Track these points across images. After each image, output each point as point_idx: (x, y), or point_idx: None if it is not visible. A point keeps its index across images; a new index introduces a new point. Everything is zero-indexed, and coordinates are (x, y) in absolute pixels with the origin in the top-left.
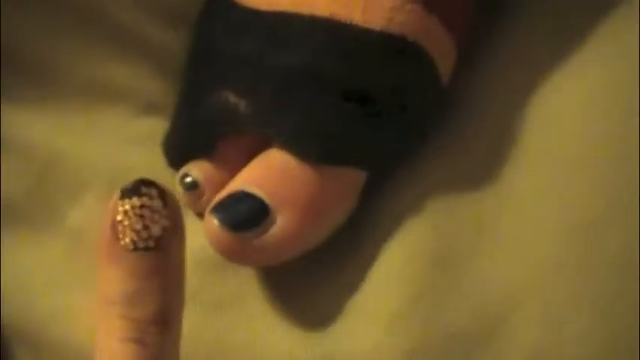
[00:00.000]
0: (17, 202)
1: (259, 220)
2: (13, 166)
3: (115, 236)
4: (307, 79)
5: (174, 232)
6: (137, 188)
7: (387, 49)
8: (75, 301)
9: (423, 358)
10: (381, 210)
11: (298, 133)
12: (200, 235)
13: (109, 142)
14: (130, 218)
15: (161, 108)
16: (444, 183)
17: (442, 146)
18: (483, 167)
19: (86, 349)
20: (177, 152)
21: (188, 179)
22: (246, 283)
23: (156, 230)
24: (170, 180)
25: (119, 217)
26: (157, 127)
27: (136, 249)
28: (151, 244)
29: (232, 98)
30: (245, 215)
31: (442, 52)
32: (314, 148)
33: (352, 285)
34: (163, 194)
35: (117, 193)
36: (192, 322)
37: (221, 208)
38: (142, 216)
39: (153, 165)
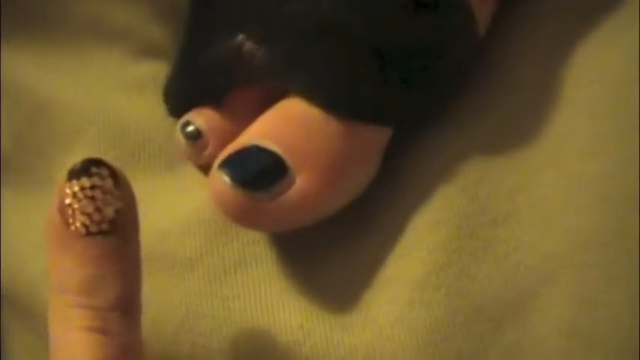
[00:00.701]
0: (6, 153)
1: (275, 179)
2: (5, 113)
3: (65, 221)
4: (334, 30)
5: (128, 213)
6: (86, 168)
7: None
8: None
9: (447, 331)
10: (409, 174)
11: (325, 83)
12: (201, 192)
13: (104, 86)
14: (79, 201)
15: (161, 52)
16: (477, 146)
17: (474, 106)
18: (518, 130)
19: None
20: (180, 99)
21: (190, 127)
22: (252, 245)
23: (109, 212)
24: (169, 130)
25: (68, 200)
26: (156, 72)
27: (88, 233)
28: (105, 227)
29: (248, 45)
30: (259, 173)
31: (482, 3)
32: (342, 100)
33: (373, 252)
34: (115, 174)
35: (64, 174)
36: (195, 289)
37: (231, 163)
38: (92, 198)
39: (151, 112)
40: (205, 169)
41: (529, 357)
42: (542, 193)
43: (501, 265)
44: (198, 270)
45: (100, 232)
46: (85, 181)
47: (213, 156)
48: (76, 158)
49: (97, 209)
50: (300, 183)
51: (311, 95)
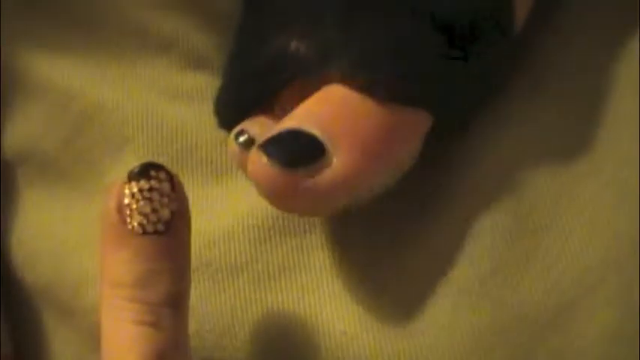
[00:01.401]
0: (52, 156)
1: (313, 159)
2: (49, 117)
3: (123, 220)
4: (372, 13)
5: (182, 215)
6: (146, 171)
7: None
8: None
9: (491, 339)
10: (454, 183)
11: (365, 61)
12: (247, 199)
13: (150, 94)
14: (138, 201)
15: (208, 63)
16: (518, 155)
17: (514, 116)
18: (558, 139)
19: None
20: (230, 110)
21: (244, 136)
22: (297, 252)
23: (165, 214)
24: (216, 138)
25: (127, 200)
26: (204, 82)
27: (145, 233)
28: (161, 227)
29: (293, 43)
30: (296, 153)
31: None
32: (381, 81)
33: (417, 260)
34: (171, 178)
35: (124, 176)
36: (240, 295)
37: (271, 144)
38: (150, 199)
39: (198, 120)
40: None
41: None
42: (584, 201)
43: (545, 275)
44: (243, 276)
45: (156, 232)
46: (144, 184)
47: None
48: (122, 165)
49: (154, 210)
50: (338, 162)
51: (350, 77)
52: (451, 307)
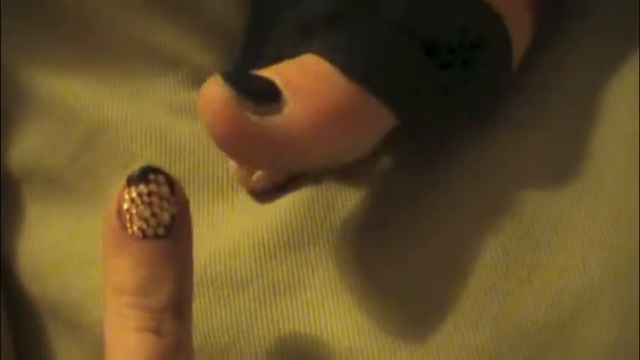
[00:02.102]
0: (58, 172)
1: (267, 97)
2: (56, 133)
3: (123, 225)
4: (361, 12)
5: (183, 219)
6: (144, 175)
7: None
8: None
9: (493, 354)
10: (454, 198)
11: (341, 45)
12: (252, 216)
13: (157, 112)
14: (137, 206)
15: None
16: (520, 171)
17: (516, 131)
18: (560, 155)
19: None
20: None
21: None
22: (302, 268)
23: (165, 218)
24: (221, 155)
25: (126, 205)
26: None
27: (145, 237)
28: (161, 231)
29: (278, 45)
30: (254, 87)
31: (518, 24)
32: (353, 60)
33: (419, 275)
34: (171, 182)
35: (123, 181)
36: (245, 311)
37: (232, 74)
38: (150, 203)
39: (204, 138)
40: (255, 192)
41: None
42: (584, 218)
43: (546, 291)
44: (249, 292)
45: (156, 236)
46: (143, 188)
47: (262, 181)
48: None
49: (154, 214)
50: (289, 112)
51: (326, 52)
52: (453, 323)
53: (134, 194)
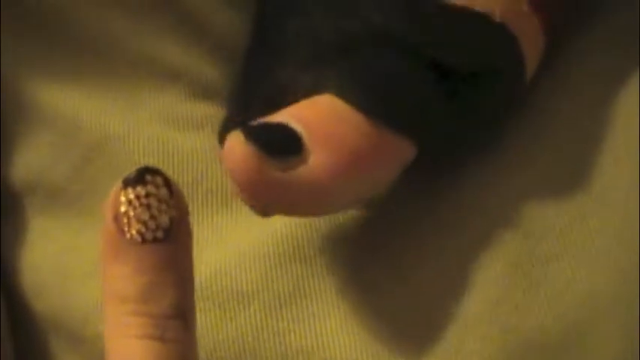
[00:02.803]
0: (60, 185)
1: (291, 149)
2: (58, 146)
3: (120, 229)
4: (375, 41)
5: (182, 222)
6: (142, 176)
7: (467, 22)
8: None
9: None
10: (460, 211)
11: (358, 82)
12: (256, 228)
13: (159, 124)
14: (135, 208)
15: (216, 93)
16: (528, 186)
17: (525, 146)
18: (568, 170)
19: None
20: None
21: None
22: (307, 279)
23: (164, 220)
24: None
25: (123, 208)
26: (212, 112)
27: (144, 241)
28: (160, 234)
29: (291, 72)
30: (276, 141)
31: (531, 42)
32: (372, 99)
33: (427, 288)
34: (169, 183)
35: (119, 183)
36: (250, 324)
37: (253, 128)
38: (148, 205)
39: (207, 150)
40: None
41: None
42: (592, 232)
43: (553, 303)
44: (254, 305)
45: (155, 240)
46: (141, 189)
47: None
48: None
49: (152, 217)
50: (314, 162)
51: (341, 90)
52: (460, 336)
53: (131, 196)
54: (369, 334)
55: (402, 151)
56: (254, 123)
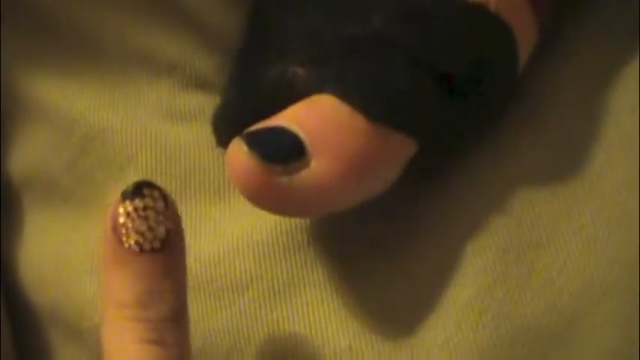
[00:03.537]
0: (56, 178)
1: (293, 155)
2: (53, 140)
3: (119, 239)
4: (375, 45)
5: (177, 232)
6: (139, 190)
7: (464, 19)
8: None
9: (493, 354)
10: (453, 199)
11: (358, 84)
12: (250, 217)
13: (153, 116)
14: (133, 220)
15: (210, 84)
16: (521, 173)
17: (518, 135)
18: (562, 159)
19: None
20: (230, 127)
21: None
22: (301, 268)
23: (161, 232)
24: (218, 158)
25: (122, 220)
26: (204, 103)
27: (142, 251)
28: (157, 245)
29: (291, 69)
30: (277, 148)
31: (524, 31)
32: (372, 100)
33: (420, 275)
34: (165, 196)
35: (118, 196)
36: (245, 313)
37: (254, 135)
38: (146, 217)
39: (200, 141)
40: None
41: None
42: (584, 221)
43: (546, 290)
44: (248, 293)
45: (153, 250)
46: (139, 202)
47: None
48: (125, 186)
49: (150, 228)
50: (316, 167)
51: (343, 93)
52: (453, 323)
53: (130, 208)
54: (362, 322)
55: (403, 149)
56: (254, 129)
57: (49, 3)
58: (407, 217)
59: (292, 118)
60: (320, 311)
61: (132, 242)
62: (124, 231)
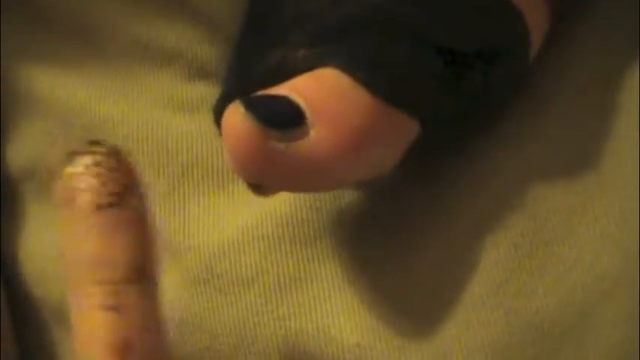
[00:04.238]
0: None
1: (292, 122)
2: (53, 132)
3: (72, 197)
4: (376, 20)
5: (132, 188)
6: (89, 147)
7: (472, 2)
8: None
9: (505, 350)
10: (468, 193)
11: (360, 57)
12: (254, 209)
13: (154, 106)
14: (85, 178)
15: (211, 74)
16: (533, 167)
17: (529, 128)
18: (573, 152)
19: None
20: None
21: None
22: (307, 262)
23: (115, 186)
24: (221, 149)
25: (73, 179)
26: (206, 93)
27: (98, 207)
28: (112, 199)
29: (290, 53)
30: (277, 113)
31: (535, 19)
32: (374, 74)
33: (430, 270)
34: (116, 152)
35: (68, 155)
36: (251, 308)
37: (253, 99)
38: (97, 174)
39: (202, 132)
40: (253, 185)
41: None
42: (596, 216)
43: (558, 284)
44: (254, 288)
45: (109, 205)
46: (88, 159)
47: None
48: None
49: (103, 184)
50: (315, 136)
51: (347, 66)
52: (464, 319)
53: (79, 167)
54: (371, 317)
55: (405, 129)
56: (254, 95)
57: None
58: (417, 212)
59: (294, 87)
60: (327, 306)
61: (85, 199)
62: (77, 190)
